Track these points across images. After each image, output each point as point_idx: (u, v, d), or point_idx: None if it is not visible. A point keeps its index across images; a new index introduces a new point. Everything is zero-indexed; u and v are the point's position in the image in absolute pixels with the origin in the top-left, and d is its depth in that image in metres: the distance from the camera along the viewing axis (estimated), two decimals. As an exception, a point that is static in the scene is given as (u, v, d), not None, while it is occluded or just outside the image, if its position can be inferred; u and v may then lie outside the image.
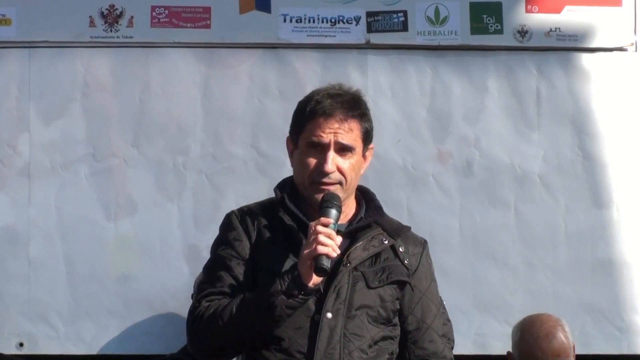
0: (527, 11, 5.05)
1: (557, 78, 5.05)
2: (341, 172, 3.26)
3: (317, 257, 3.11)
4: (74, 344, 4.93)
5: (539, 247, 5.02)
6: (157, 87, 4.98)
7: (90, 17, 4.95)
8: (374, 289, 3.28)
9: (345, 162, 3.26)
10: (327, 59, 5.01)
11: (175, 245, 4.96)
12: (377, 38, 5.02)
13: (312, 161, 3.26)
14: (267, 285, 3.16)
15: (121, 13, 4.96)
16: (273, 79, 5.00)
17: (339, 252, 3.17)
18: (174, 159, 4.98)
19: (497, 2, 5.04)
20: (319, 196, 3.24)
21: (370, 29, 5.01)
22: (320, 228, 3.13)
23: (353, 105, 3.29)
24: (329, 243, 3.12)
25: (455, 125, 5.04)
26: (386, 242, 3.33)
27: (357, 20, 5.00)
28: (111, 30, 4.96)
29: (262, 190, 4.59)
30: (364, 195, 3.41)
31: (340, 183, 3.26)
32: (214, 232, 3.43)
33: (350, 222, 3.33)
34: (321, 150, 3.25)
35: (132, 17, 4.96)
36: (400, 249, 3.35)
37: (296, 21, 4.99)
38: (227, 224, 3.37)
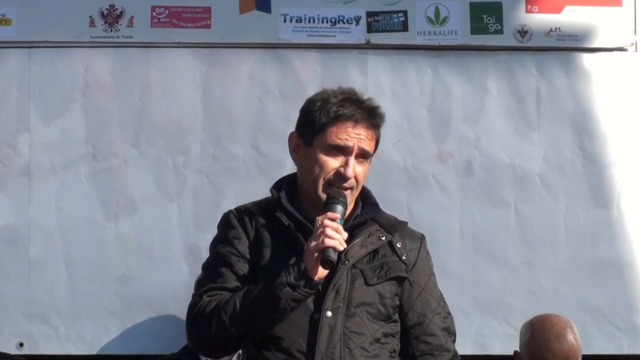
0: (527, 11, 5.05)
1: (557, 78, 5.05)
2: (356, 178, 3.29)
3: (324, 250, 3.12)
4: (74, 344, 4.93)
5: (539, 247, 5.02)
6: (157, 87, 4.99)
7: (90, 17, 4.96)
8: (373, 285, 3.29)
9: (360, 168, 3.30)
10: (327, 59, 5.01)
11: (175, 245, 4.96)
12: (377, 38, 5.02)
13: (332, 163, 3.27)
14: (271, 278, 3.16)
15: (121, 13, 4.96)
16: (273, 79, 5.01)
17: (345, 245, 3.19)
18: (174, 159, 4.98)
19: (497, 2, 5.04)
20: (325, 194, 3.26)
21: (370, 29, 5.01)
22: (327, 222, 3.15)
23: (376, 115, 3.33)
24: (336, 236, 3.14)
25: (456, 125, 5.05)
26: (383, 238, 3.34)
27: (357, 20, 5.00)
28: (111, 30, 4.96)
29: (262, 190, 4.51)
30: (360, 193, 3.40)
31: (351, 188, 3.29)
32: (214, 232, 3.43)
33: (347, 219, 3.32)
34: (343, 153, 3.27)
35: (132, 17, 4.96)
36: (398, 245, 3.36)
37: (296, 21, 4.99)
38: (226, 223, 3.37)
